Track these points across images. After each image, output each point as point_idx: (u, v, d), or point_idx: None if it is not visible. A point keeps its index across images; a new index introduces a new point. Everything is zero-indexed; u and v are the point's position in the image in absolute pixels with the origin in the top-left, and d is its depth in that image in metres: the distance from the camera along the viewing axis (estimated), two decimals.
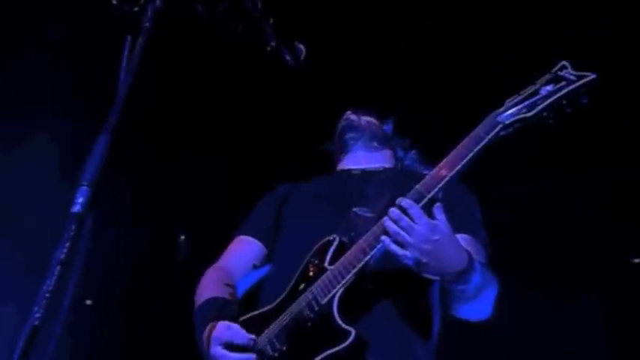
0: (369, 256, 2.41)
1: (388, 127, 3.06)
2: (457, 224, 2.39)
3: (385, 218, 2.32)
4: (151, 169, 5.26)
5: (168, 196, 5.51)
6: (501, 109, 2.38)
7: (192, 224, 5.77)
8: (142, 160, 4.91)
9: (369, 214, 2.61)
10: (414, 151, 3.04)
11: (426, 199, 2.33)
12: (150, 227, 5.65)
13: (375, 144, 3.01)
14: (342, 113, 3.11)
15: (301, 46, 2.55)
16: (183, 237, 5.85)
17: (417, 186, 2.36)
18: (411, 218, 2.28)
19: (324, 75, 4.32)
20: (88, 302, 5.53)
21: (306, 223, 2.77)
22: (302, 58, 2.56)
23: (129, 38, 2.07)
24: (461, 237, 2.47)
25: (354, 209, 2.68)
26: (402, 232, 2.28)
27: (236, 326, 2.53)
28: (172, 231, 5.88)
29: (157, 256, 5.71)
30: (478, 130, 2.36)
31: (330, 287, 2.45)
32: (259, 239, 2.90)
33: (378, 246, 2.38)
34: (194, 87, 4.96)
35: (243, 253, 2.91)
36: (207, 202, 5.54)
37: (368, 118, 3.04)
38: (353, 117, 3.04)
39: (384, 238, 2.31)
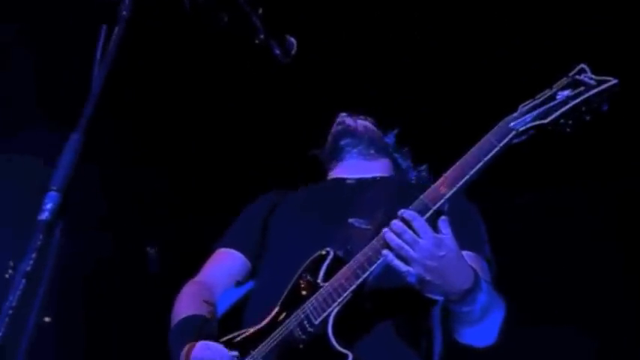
0: (368, 273, 2.39)
1: (390, 138, 3.06)
2: (460, 240, 2.37)
3: (386, 230, 2.31)
4: (121, 171, 5.23)
5: (138, 201, 5.47)
6: (514, 115, 2.37)
7: (164, 234, 5.73)
8: (112, 161, 4.88)
9: (366, 226, 2.59)
10: (423, 167, 3.05)
11: (431, 211, 2.31)
12: (116, 236, 5.61)
13: (373, 151, 3.00)
14: (336, 115, 3.09)
15: (292, 40, 2.54)
16: (153, 248, 5.82)
17: (422, 196, 2.34)
18: (415, 231, 2.26)
19: (316, 72, 4.32)
20: (47, 319, 5.49)
21: (296, 235, 2.75)
22: (293, 52, 2.55)
23: (104, 28, 2.04)
24: (464, 254, 2.47)
25: (350, 220, 2.65)
26: (406, 247, 2.26)
27: (217, 345, 2.50)
28: (141, 240, 5.84)
29: (124, 268, 5.66)
30: (489, 136, 2.35)
31: (324, 306, 2.42)
32: (243, 252, 2.87)
33: (379, 261, 2.35)
34: (174, 84, 4.92)
35: (224, 268, 2.88)
36: (181, 209, 5.50)
37: (365, 123, 3.02)
38: (349, 121, 3.02)
39: (386, 252, 2.30)
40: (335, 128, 3.05)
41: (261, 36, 2.46)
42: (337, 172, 3.03)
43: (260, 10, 2.44)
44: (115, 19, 2.06)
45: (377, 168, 3.00)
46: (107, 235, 5.53)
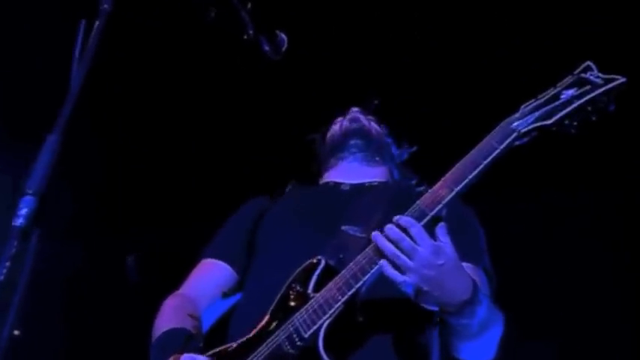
0: (361, 283, 2.36)
1: (396, 150, 3.07)
2: (457, 250, 2.35)
3: (380, 237, 2.28)
4: (98, 173, 5.19)
5: (116, 204, 5.44)
6: (516, 115, 2.35)
7: (144, 241, 5.70)
8: (88, 163, 4.86)
9: (360, 234, 2.57)
10: (414, 180, 3.05)
11: (428, 218, 2.29)
12: (91, 243, 5.57)
13: (378, 158, 3.01)
14: (346, 109, 3.10)
15: (283, 36, 2.54)
16: (132, 257, 5.80)
17: (418, 202, 2.32)
18: (412, 239, 2.25)
19: (307, 71, 4.31)
20: (16, 333, 5.44)
21: (286, 243, 2.72)
22: (283, 49, 2.55)
23: (83, 23, 2.04)
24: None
25: (343, 227, 2.63)
26: (402, 255, 2.25)
27: (203, 358, 2.48)
28: (120, 248, 5.81)
29: (100, 277, 5.63)
30: (489, 138, 2.33)
31: (314, 318, 2.40)
32: (229, 262, 2.85)
33: (373, 270, 2.33)
34: (155, 84, 4.88)
35: (209, 279, 2.85)
36: (162, 217, 5.48)
37: (377, 127, 3.04)
38: (363, 120, 3.04)
39: (382, 262, 2.29)
40: (349, 124, 3.03)
41: (250, 32, 2.46)
42: (332, 176, 3.02)
43: (249, 5, 2.44)
44: (95, 13, 2.06)
45: (375, 174, 3.00)
46: (84, 243, 5.50)
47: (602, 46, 3.67)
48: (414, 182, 3.03)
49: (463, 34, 4.56)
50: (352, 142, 2.98)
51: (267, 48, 2.52)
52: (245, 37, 2.44)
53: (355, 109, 3.05)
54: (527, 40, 4.44)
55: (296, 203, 2.91)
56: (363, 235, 2.53)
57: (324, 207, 2.81)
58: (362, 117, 3.02)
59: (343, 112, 3.13)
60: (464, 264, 2.45)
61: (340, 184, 2.95)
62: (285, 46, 2.57)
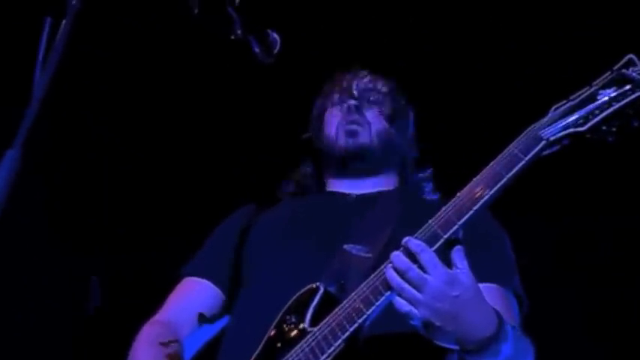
0: (364, 317, 2.25)
1: (407, 148, 2.96)
2: (481, 268, 2.25)
3: (388, 268, 2.19)
4: (62, 183, 5.12)
5: (81, 217, 5.36)
6: (544, 120, 2.22)
7: (110, 260, 5.61)
8: (51, 179, 4.79)
9: (365, 254, 2.49)
10: (427, 171, 2.95)
11: (442, 240, 2.18)
12: (51, 264, 5.48)
13: (385, 165, 2.91)
14: (340, 78, 2.99)
15: (276, 36, 2.45)
16: (95, 278, 5.71)
17: (431, 221, 2.21)
18: (421, 267, 2.14)
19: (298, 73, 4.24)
20: None
21: (280, 262, 2.62)
22: (276, 50, 2.47)
23: (49, 21, 1.99)
24: (486, 287, 2.34)
25: (346, 246, 2.53)
26: (409, 288, 2.15)
27: None
28: (82, 269, 5.71)
29: (59, 302, 5.54)
30: (514, 147, 2.21)
31: (311, 357, 2.29)
32: (214, 282, 2.76)
33: (378, 302, 2.22)
34: (131, 85, 4.82)
35: (191, 300, 2.76)
36: (133, 228, 5.39)
37: (379, 126, 2.89)
38: (362, 131, 2.86)
39: (387, 293, 2.19)
40: (345, 142, 2.88)
41: (239, 31, 2.37)
42: (336, 186, 2.92)
43: (237, 1, 2.35)
44: (63, 10, 2.00)
45: (382, 182, 2.90)
46: (40, 264, 5.41)
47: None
48: (428, 188, 2.92)
49: (465, 36, 4.51)
50: (352, 165, 2.87)
51: (257, 50, 2.43)
52: (232, 37, 2.35)
53: (352, 102, 2.89)
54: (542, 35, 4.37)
55: (292, 214, 2.81)
56: (368, 256, 2.45)
57: (325, 221, 2.72)
58: (360, 127, 2.87)
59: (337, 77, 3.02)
60: (488, 285, 2.36)
61: (346, 194, 2.84)
62: (278, 47, 2.48)
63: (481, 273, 2.28)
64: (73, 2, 2.02)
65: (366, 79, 2.96)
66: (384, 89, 2.96)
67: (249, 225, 2.84)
